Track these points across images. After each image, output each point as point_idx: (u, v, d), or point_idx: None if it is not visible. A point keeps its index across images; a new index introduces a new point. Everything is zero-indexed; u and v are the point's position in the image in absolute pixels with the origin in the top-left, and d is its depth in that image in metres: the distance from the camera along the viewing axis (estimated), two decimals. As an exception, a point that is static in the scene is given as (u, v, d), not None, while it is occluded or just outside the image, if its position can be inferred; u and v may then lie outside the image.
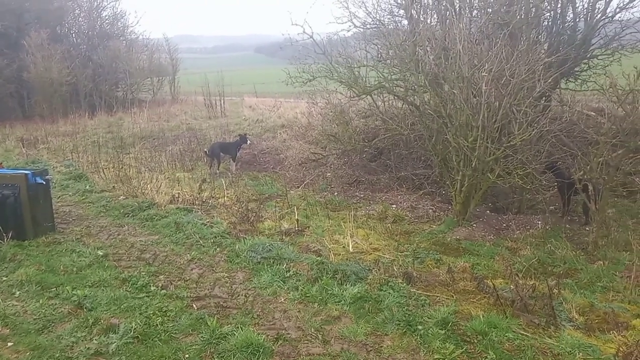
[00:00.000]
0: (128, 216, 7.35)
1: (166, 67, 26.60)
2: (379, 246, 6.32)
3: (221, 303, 4.52)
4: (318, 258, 5.45)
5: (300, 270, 5.12)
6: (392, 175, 9.83)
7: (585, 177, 6.55)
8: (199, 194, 8.28)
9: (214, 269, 5.36)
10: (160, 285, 4.89)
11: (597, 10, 9.84)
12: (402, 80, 9.77)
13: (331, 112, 11.19)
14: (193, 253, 5.78)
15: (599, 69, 10.08)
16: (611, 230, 6.62)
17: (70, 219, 7.35)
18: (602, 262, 5.88)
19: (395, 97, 10.11)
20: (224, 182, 8.97)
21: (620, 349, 3.54)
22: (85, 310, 4.36)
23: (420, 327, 3.97)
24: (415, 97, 9.35)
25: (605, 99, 8.16)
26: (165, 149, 12.87)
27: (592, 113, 7.96)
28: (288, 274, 5.05)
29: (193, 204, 7.84)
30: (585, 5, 10.02)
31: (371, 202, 8.85)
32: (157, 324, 4.09)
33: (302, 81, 10.61)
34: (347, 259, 5.58)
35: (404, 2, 9.76)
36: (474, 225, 7.36)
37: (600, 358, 3.51)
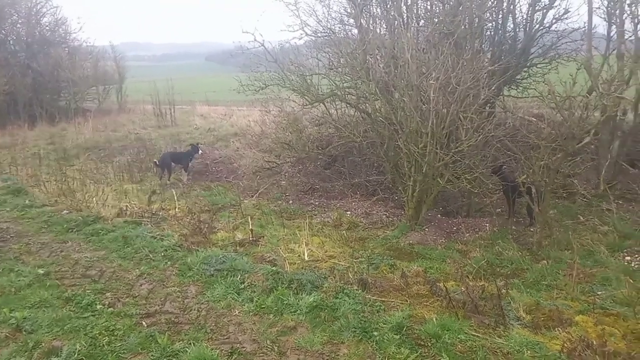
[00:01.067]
0: (72, 231, 6.98)
1: (112, 75, 25.65)
2: (335, 253, 6.32)
3: (172, 319, 4.36)
4: (273, 268, 5.37)
5: (255, 281, 5.03)
6: (347, 182, 9.92)
7: (528, 180, 6.86)
8: (149, 206, 8.01)
9: (164, 283, 5.17)
10: (107, 303, 4.66)
11: (535, 20, 10.40)
12: (354, 88, 9.91)
13: (284, 120, 11.18)
14: (142, 268, 5.55)
15: (539, 77, 10.63)
16: (553, 230, 6.96)
17: (8, 236, 6.88)
18: (546, 262, 6.15)
19: (348, 105, 10.23)
20: (175, 193, 8.72)
21: (565, 344, 3.69)
22: (24, 333, 4.07)
23: (375, 333, 3.99)
24: (367, 104, 9.50)
25: (545, 105, 8.58)
26: (112, 160, 12.40)
27: (533, 119, 8.37)
28: (242, 286, 4.94)
29: (142, 216, 7.56)
30: (524, 16, 10.58)
31: (326, 209, 8.88)
32: (103, 345, 3.89)
33: (254, 89, 10.55)
34: (302, 268, 5.54)
35: (353, 11, 9.90)
36: (426, 229, 7.53)
37: (546, 355, 3.64)
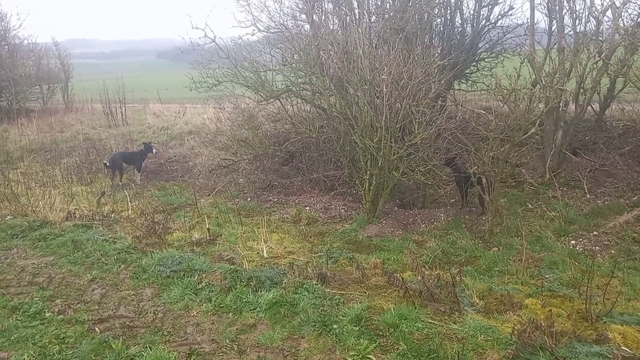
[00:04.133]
0: (17, 237, 6.63)
1: (57, 74, 24.45)
2: (294, 249, 6.32)
3: (127, 323, 4.23)
4: (231, 266, 5.32)
5: (213, 281, 4.96)
6: (305, 178, 9.92)
7: (479, 170, 7.10)
8: (99, 208, 7.71)
9: (118, 287, 5.01)
10: (56, 310, 4.47)
11: (481, 16, 10.74)
12: (309, 84, 9.91)
13: (240, 116, 11.05)
14: (94, 272, 5.36)
15: (486, 71, 11.02)
16: (504, 218, 7.24)
17: (-55, 246, 6.47)
18: (497, 248, 6.40)
19: (303, 101, 10.23)
20: (127, 194, 8.45)
21: (516, 327, 3.85)
22: (-35, 347, 3.85)
23: (335, 326, 4.02)
24: (322, 100, 9.54)
25: (493, 98, 8.90)
26: (60, 162, 11.84)
27: (482, 111, 8.62)
28: (200, 286, 4.87)
29: (93, 219, 7.28)
30: (472, 12, 10.91)
31: (285, 205, 8.85)
32: (53, 353, 3.73)
33: (207, 86, 10.36)
34: (261, 265, 5.51)
35: (305, 7, 9.89)
36: (384, 221, 7.65)
37: (498, 338, 3.78)
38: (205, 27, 9.88)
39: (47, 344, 3.87)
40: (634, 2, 8.65)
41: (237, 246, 6.12)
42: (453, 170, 8.23)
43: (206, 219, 6.88)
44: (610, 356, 3.45)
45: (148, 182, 10.66)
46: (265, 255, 5.91)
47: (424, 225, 7.54)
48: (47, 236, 6.51)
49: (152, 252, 5.75)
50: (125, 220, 7.34)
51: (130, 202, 8.22)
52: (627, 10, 8.78)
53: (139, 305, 4.59)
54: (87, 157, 12.11)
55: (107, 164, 10.41)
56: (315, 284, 4.80)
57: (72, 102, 23.52)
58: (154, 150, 11.18)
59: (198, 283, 4.91)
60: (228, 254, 5.83)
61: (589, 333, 3.91)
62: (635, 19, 8.77)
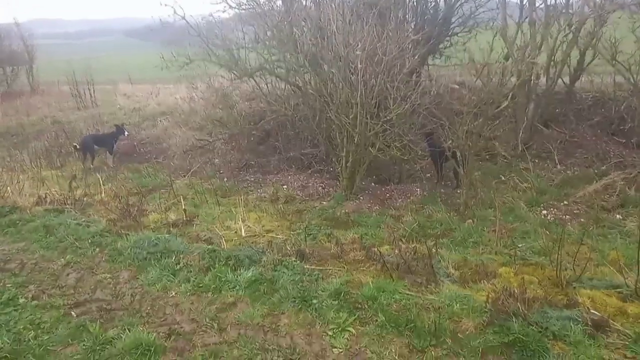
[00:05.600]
0: (-15, 224, 6.44)
1: (21, 55, 23.50)
2: (272, 227, 6.32)
3: (104, 306, 4.18)
4: (209, 246, 5.28)
5: (191, 262, 4.91)
6: (282, 157, 9.87)
7: (454, 144, 7.18)
8: (71, 192, 7.53)
9: (94, 271, 4.93)
10: (30, 296, 4.37)
11: (454, -10, 10.70)
12: (283, 61, 9.77)
13: (213, 96, 10.86)
14: (68, 257, 5.25)
15: (460, 46, 11.03)
16: (478, 191, 7.37)
17: None
18: (472, 220, 6.53)
19: (278, 79, 10.09)
20: (100, 177, 8.27)
21: (490, 295, 3.96)
22: (-64, 337, 3.75)
23: (314, 301, 4.06)
24: (297, 77, 9.42)
25: (466, 73, 8.96)
26: (27, 146, 11.47)
27: (456, 86, 8.73)
28: (178, 267, 4.82)
29: (65, 203, 7.10)
30: (445, -14, 10.85)
31: (262, 184, 8.81)
32: (29, 339, 3.66)
33: (179, 65, 10.10)
34: (240, 244, 5.49)
35: (277, -19, 9.67)
36: (361, 198, 7.70)
37: (473, 306, 3.88)
38: (175, 4, 9.60)
39: (21, 330, 3.79)
40: (603, -25, 8.73)
41: (214, 226, 6.08)
42: (428, 145, 8.30)
43: (182, 200, 6.80)
44: (579, 319, 3.59)
45: (121, 164, 10.45)
46: (244, 234, 5.89)
47: (400, 200, 7.62)
48: (17, 222, 6.33)
49: (128, 234, 5.65)
50: (99, 204, 7.19)
51: (103, 185, 8.05)
52: (596, -17, 8.86)
53: (115, 288, 4.53)
54: (56, 140, 11.78)
55: (77, 146, 10.15)
56: (294, 261, 4.82)
57: (38, 85, 22.70)
58: (126, 133, 10.93)
59: (176, 264, 4.86)
60: (206, 234, 5.79)
61: (560, 298, 4.05)
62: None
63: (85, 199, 7.48)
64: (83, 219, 6.34)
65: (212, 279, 4.52)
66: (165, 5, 9.57)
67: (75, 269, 4.99)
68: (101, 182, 8.11)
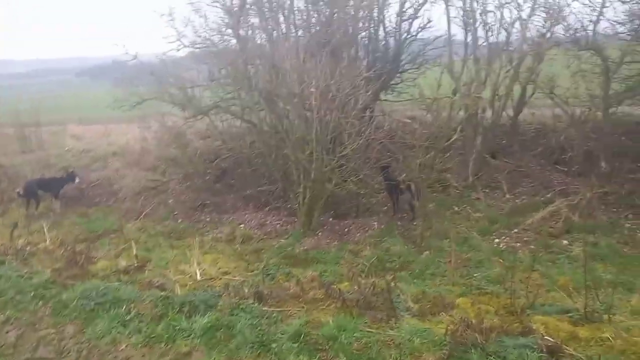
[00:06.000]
0: None
1: (-38, 97, 22.46)
2: (229, 269, 6.17)
3: (47, 365, 3.90)
4: (162, 293, 5.06)
5: (142, 310, 4.68)
6: (238, 195, 9.73)
7: (408, 177, 7.33)
8: (12, 241, 7.10)
9: (36, 326, 4.60)
10: (-37, 359, 4.03)
11: (403, 29, 11.19)
12: (238, 98, 9.80)
13: (167, 135, 10.69)
14: (8, 312, 4.88)
15: (410, 82, 11.43)
16: (433, 222, 7.50)
17: None
18: (428, 252, 6.61)
19: (233, 117, 10.08)
20: (44, 224, 7.85)
21: (449, 327, 3.96)
22: None
23: (274, 345, 3.93)
24: (252, 115, 9.45)
25: (417, 107, 9.28)
26: (-35, 193, 10.79)
27: (408, 120, 8.99)
28: (129, 317, 4.57)
29: (5, 254, 6.66)
30: (394, 26, 11.31)
31: (218, 224, 8.63)
32: (-41, 410, 3.34)
33: (131, 104, 9.93)
34: (195, 289, 5.30)
35: (230, 21, 9.79)
36: (320, 233, 7.67)
37: (433, 339, 3.87)
38: (126, 44, 9.53)
39: (-49, 398, 3.46)
40: (537, 15, 9.40)
41: (168, 271, 5.87)
42: (384, 178, 8.42)
43: (133, 245, 6.54)
44: (535, 347, 3.64)
45: (68, 209, 9.99)
46: (199, 278, 5.70)
47: (358, 234, 7.64)
48: (-49, 277, 5.87)
49: (74, 284, 5.33)
50: (43, 253, 6.78)
51: (48, 232, 7.63)
52: (532, 22, 9.51)
53: (60, 344, 4.24)
54: (-3, 186, 11.13)
55: (20, 192, 9.64)
56: (252, 304, 4.68)
57: (-21, 127, 21.61)
58: (77, 180, 10.40)
59: (126, 314, 4.61)
60: (159, 280, 5.56)
61: (515, 326, 4.10)
62: (540, 30, 9.52)
63: (28, 248, 7.03)
64: (25, 270, 5.95)
65: (165, 328, 4.32)
66: (117, 44, 9.49)
67: (16, 325, 4.65)
68: (46, 229, 7.69)
